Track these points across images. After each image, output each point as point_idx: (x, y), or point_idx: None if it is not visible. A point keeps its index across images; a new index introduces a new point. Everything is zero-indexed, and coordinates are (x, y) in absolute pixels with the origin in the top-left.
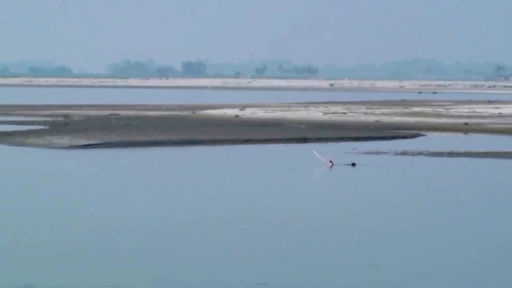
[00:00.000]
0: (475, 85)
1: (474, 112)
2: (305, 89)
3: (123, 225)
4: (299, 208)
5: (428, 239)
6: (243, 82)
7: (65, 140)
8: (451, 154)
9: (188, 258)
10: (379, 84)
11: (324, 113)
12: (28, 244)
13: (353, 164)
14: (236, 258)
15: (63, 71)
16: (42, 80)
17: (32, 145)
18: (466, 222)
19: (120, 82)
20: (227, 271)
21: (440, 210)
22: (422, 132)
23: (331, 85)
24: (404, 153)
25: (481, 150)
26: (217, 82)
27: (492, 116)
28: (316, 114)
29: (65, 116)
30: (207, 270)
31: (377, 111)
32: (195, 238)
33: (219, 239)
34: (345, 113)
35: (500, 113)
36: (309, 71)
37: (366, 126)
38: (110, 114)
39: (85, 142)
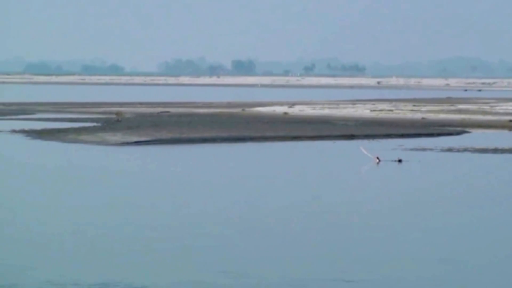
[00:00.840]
0: None
1: None
2: (352, 87)
3: (184, 220)
4: (348, 203)
5: (475, 235)
6: (292, 80)
7: (117, 137)
8: (496, 150)
9: (252, 252)
10: (425, 82)
11: (371, 111)
12: (97, 238)
13: (400, 161)
14: (275, 254)
15: (115, 69)
16: (94, 78)
17: (85, 141)
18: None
19: (171, 80)
20: (285, 265)
21: (487, 206)
22: (467, 129)
23: (378, 83)
24: (449, 150)
25: None
26: (266, 80)
27: None
28: (363, 111)
29: (117, 113)
30: (271, 264)
31: (423, 109)
32: (258, 232)
33: (278, 232)
34: (392, 110)
35: None
36: (357, 69)
37: (412, 123)
38: (161, 112)
39: (136, 138)
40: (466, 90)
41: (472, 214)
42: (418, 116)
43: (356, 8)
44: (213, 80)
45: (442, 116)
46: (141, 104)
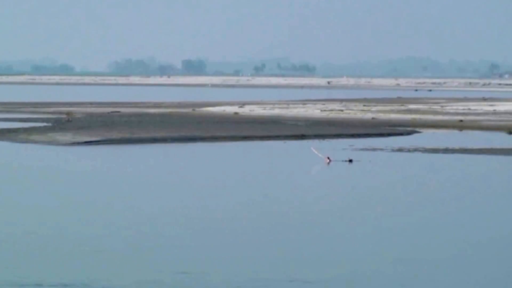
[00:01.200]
0: (470, 83)
1: (469, 109)
2: (302, 86)
3: (135, 220)
4: (297, 203)
5: (422, 233)
6: (242, 80)
7: (68, 137)
8: (446, 150)
9: (204, 252)
10: (376, 81)
11: (321, 111)
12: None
13: (350, 161)
14: (230, 254)
15: (65, 69)
16: (45, 78)
17: (35, 141)
18: (461, 217)
19: (121, 80)
20: (231, 265)
21: (436, 205)
22: (418, 129)
23: (329, 83)
24: (400, 150)
25: (475, 146)
26: (217, 80)
27: (486, 113)
28: (313, 111)
29: (68, 113)
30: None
31: (373, 109)
32: (209, 232)
33: (229, 232)
34: (342, 110)
35: (494, 110)
36: (307, 69)
37: (363, 123)
38: (112, 112)
39: (87, 138)
40: (416, 90)
41: (421, 213)
42: (368, 116)
43: (306, 8)
44: (164, 80)
45: (393, 116)
46: (92, 104)
